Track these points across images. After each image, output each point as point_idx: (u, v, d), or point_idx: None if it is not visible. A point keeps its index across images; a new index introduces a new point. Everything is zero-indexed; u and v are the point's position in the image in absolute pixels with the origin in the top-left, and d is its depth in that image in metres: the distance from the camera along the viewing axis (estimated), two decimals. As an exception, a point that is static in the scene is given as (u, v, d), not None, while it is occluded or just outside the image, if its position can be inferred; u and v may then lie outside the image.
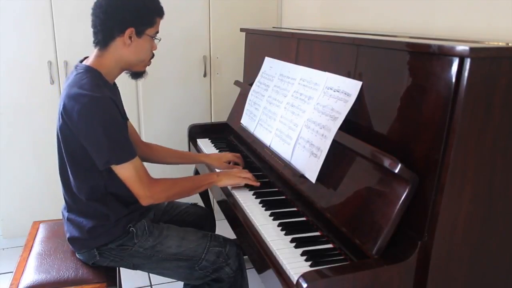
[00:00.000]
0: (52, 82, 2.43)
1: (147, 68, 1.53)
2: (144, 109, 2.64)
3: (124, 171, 1.36)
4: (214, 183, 1.57)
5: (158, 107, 2.67)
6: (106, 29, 1.37)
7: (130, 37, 1.38)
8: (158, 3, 1.44)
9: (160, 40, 1.48)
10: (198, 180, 1.61)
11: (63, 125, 1.36)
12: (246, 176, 1.58)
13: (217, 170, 1.79)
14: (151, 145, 1.84)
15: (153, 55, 1.49)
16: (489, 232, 1.09)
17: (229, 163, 1.81)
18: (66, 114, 1.33)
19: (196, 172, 2.19)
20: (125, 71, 1.50)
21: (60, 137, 1.41)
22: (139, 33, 1.39)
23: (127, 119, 1.58)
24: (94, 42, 1.41)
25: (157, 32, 1.46)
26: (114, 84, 1.52)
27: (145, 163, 1.48)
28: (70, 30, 2.38)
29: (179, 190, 1.50)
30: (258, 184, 1.58)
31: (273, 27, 2.47)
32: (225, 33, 2.68)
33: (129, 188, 1.39)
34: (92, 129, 1.30)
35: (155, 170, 2.61)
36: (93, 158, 1.34)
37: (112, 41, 1.38)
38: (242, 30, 2.30)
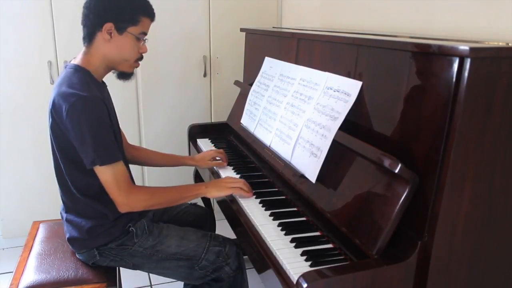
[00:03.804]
0: (52, 82, 2.43)
1: (144, 65, 1.50)
2: (144, 109, 2.64)
3: (103, 174, 1.33)
4: (202, 195, 1.52)
5: (158, 107, 2.67)
6: (88, 24, 1.38)
7: (110, 33, 1.37)
8: (146, 3, 1.42)
9: (145, 41, 1.45)
10: (183, 191, 1.50)
11: (53, 124, 1.37)
12: (237, 186, 1.51)
13: (209, 170, 1.80)
14: (139, 148, 1.86)
15: (141, 57, 1.47)
16: (489, 232, 1.09)
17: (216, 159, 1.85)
18: (55, 112, 1.34)
19: (196, 173, 2.20)
20: (112, 71, 1.49)
21: (51, 135, 1.41)
22: (119, 30, 1.37)
23: (116, 120, 1.56)
24: (82, 38, 1.42)
25: (144, 33, 1.43)
26: (103, 82, 1.51)
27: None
28: (70, 30, 2.38)
29: (160, 201, 1.45)
30: (250, 194, 1.51)
31: (273, 27, 2.47)
32: (225, 33, 2.68)
33: (107, 192, 1.36)
34: (79, 128, 1.29)
35: (155, 172, 2.62)
36: (81, 158, 1.34)
37: (94, 36, 1.39)
38: (242, 30, 2.30)
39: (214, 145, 2.12)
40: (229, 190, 1.51)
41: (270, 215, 1.39)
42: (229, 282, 1.55)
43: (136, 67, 1.49)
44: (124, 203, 1.37)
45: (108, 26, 1.36)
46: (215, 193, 1.52)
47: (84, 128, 1.29)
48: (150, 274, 2.22)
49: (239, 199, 1.52)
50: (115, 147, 1.36)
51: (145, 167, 2.71)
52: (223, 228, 1.88)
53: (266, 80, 1.86)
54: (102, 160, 1.31)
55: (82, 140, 1.30)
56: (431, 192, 1.02)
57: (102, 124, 1.33)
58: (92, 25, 1.37)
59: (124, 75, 1.50)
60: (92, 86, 1.36)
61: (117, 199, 1.36)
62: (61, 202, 1.52)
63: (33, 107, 2.43)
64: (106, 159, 1.32)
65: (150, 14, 1.43)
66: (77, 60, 1.43)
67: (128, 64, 1.46)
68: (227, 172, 1.77)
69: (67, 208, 1.49)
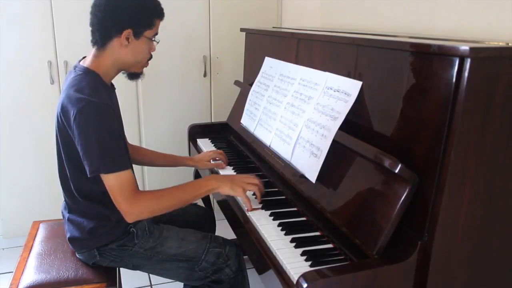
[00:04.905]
0: (52, 82, 2.43)
1: (145, 69, 1.52)
2: (144, 109, 2.64)
3: (108, 181, 1.31)
4: (215, 190, 1.43)
5: (158, 107, 2.67)
6: (103, 29, 1.36)
7: (127, 38, 1.36)
8: (159, 5, 1.42)
9: (158, 42, 1.46)
10: (192, 191, 1.42)
11: (61, 127, 1.36)
12: (253, 184, 1.44)
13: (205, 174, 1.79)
14: (138, 147, 1.85)
15: (151, 57, 1.48)
16: (489, 232, 1.09)
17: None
18: (63, 116, 1.33)
19: (196, 173, 2.20)
20: (122, 72, 1.49)
21: (59, 138, 1.40)
22: (136, 35, 1.38)
23: (122, 125, 1.54)
24: (92, 41, 1.40)
25: (156, 34, 1.44)
26: (112, 85, 1.52)
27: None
28: (70, 30, 2.38)
29: (168, 205, 1.39)
30: (250, 207, 1.42)
31: (273, 27, 2.47)
32: (225, 33, 2.68)
33: (112, 200, 1.33)
34: (86, 134, 1.28)
35: (155, 172, 2.62)
36: (83, 164, 1.31)
37: (109, 41, 1.37)
38: (242, 30, 2.30)
39: (214, 145, 2.12)
40: (242, 195, 1.42)
41: (270, 215, 1.39)
42: (230, 283, 1.55)
43: (146, 66, 1.50)
44: (129, 211, 1.32)
45: (127, 32, 1.35)
46: (228, 191, 1.43)
47: (91, 134, 1.27)
48: (150, 275, 2.21)
49: (239, 199, 1.51)
50: (122, 155, 1.34)
51: (145, 167, 2.71)
52: (223, 228, 1.88)
53: (266, 80, 1.86)
54: (108, 168, 1.29)
55: (89, 146, 1.28)
56: (431, 192, 1.02)
57: (110, 132, 1.31)
58: (108, 31, 1.36)
59: (135, 75, 1.51)
60: (101, 91, 1.35)
61: (122, 207, 1.32)
62: (63, 201, 1.52)
63: (33, 107, 2.44)
64: (112, 168, 1.30)
65: (162, 16, 1.44)
66: (86, 62, 1.41)
67: (141, 65, 1.47)
68: (227, 172, 1.77)
69: (70, 208, 1.49)
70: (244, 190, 1.43)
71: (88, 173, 1.31)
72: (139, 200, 1.33)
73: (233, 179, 1.46)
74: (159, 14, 1.42)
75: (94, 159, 1.29)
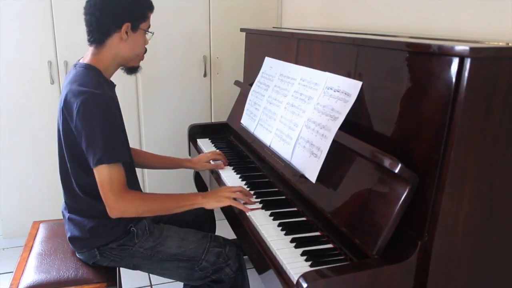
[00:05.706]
0: (52, 82, 2.43)
1: (144, 65, 1.56)
2: (144, 109, 2.64)
3: (100, 174, 1.31)
4: (199, 205, 1.45)
5: (158, 107, 2.67)
6: (102, 27, 1.39)
7: (126, 33, 1.40)
8: None
9: (153, 34, 1.51)
10: (178, 200, 1.45)
11: (64, 121, 1.37)
12: (236, 191, 1.47)
13: (207, 173, 1.80)
14: (138, 150, 1.86)
15: (146, 50, 1.52)
16: (489, 232, 1.09)
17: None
18: (66, 109, 1.35)
19: (197, 173, 2.20)
20: (121, 68, 1.52)
21: (61, 133, 1.41)
22: (134, 28, 1.42)
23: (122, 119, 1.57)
24: (89, 41, 1.43)
25: (149, 26, 1.49)
26: (111, 81, 1.53)
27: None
28: (70, 30, 2.38)
29: (152, 208, 1.42)
30: (247, 210, 1.42)
31: (273, 27, 2.47)
32: (225, 33, 2.68)
33: (100, 193, 1.34)
34: (89, 125, 1.30)
35: (155, 173, 2.62)
36: (86, 155, 1.33)
37: (108, 37, 1.40)
38: (242, 30, 2.30)
39: (214, 145, 2.12)
40: (228, 202, 1.44)
41: (270, 215, 1.39)
42: (230, 283, 1.55)
43: (142, 59, 1.54)
44: (115, 207, 1.34)
45: (126, 26, 1.39)
46: (214, 205, 1.46)
47: (95, 125, 1.30)
48: (150, 274, 2.22)
49: (239, 200, 1.51)
50: (123, 147, 1.37)
51: (145, 169, 2.71)
52: (223, 228, 1.88)
53: (266, 80, 1.86)
54: (109, 158, 1.30)
55: (92, 137, 1.30)
56: (431, 192, 1.02)
57: (113, 123, 1.34)
58: (107, 27, 1.39)
59: (133, 69, 1.55)
60: (104, 85, 1.38)
61: (108, 201, 1.34)
62: (63, 201, 1.52)
63: (33, 107, 2.43)
64: (114, 157, 1.32)
65: (153, 8, 1.49)
66: (86, 59, 1.44)
67: (139, 58, 1.52)
68: (227, 172, 1.77)
69: (70, 208, 1.49)
70: (230, 198, 1.45)
71: (91, 164, 1.32)
72: (126, 198, 1.35)
73: (217, 193, 1.49)
74: (151, 6, 1.48)
75: (97, 150, 1.30)
